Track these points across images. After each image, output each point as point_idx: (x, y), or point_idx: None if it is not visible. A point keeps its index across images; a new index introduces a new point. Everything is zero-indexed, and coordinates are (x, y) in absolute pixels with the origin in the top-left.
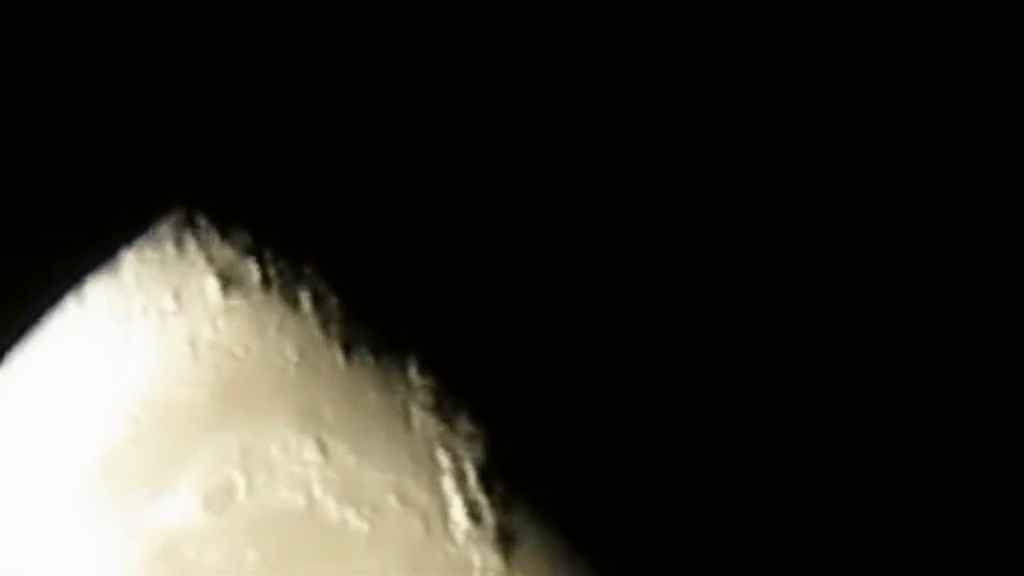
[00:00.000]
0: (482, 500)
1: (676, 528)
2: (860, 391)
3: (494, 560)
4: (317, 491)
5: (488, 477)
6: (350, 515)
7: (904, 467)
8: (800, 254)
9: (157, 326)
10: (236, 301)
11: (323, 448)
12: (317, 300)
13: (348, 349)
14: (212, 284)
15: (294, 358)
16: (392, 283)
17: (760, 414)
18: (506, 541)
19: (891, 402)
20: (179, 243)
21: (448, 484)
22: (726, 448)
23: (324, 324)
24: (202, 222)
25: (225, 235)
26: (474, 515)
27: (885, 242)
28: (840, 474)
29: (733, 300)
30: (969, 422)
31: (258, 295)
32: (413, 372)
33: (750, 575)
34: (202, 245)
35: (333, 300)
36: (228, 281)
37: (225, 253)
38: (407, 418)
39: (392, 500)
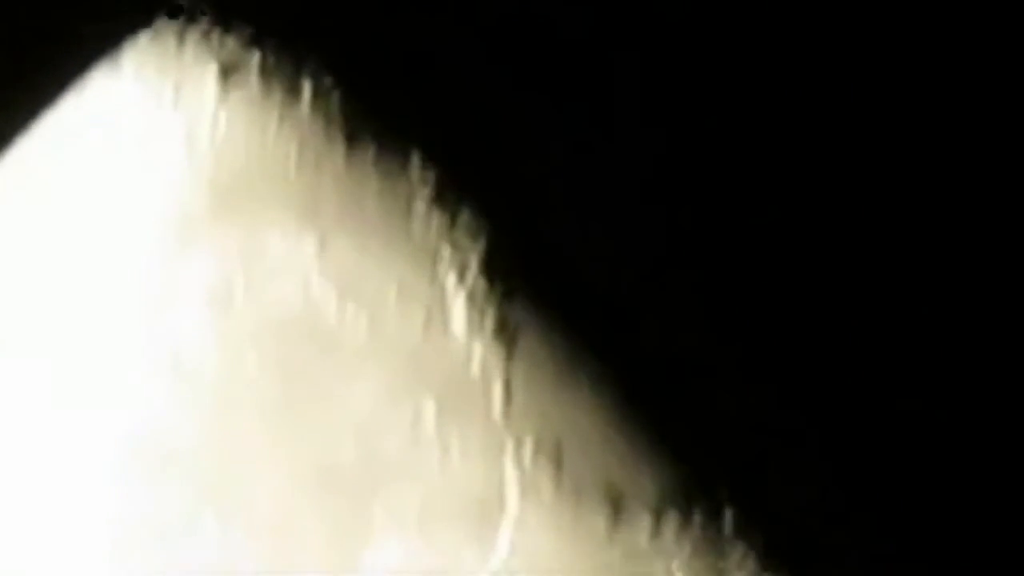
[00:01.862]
0: (483, 294)
1: (677, 318)
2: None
3: (494, 354)
4: (317, 288)
5: (490, 271)
6: (350, 311)
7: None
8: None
9: (156, 120)
10: (236, 95)
11: (323, 243)
12: (318, 93)
13: (349, 143)
14: (212, 77)
15: (294, 151)
16: (395, 77)
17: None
18: (507, 335)
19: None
20: (180, 35)
21: (449, 278)
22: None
23: (325, 118)
24: (204, 14)
25: (227, 27)
26: (475, 309)
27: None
28: None
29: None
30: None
31: (258, 88)
32: (415, 166)
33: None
34: (203, 37)
35: (335, 93)
36: (229, 73)
37: (226, 45)
38: (408, 212)
39: (392, 294)
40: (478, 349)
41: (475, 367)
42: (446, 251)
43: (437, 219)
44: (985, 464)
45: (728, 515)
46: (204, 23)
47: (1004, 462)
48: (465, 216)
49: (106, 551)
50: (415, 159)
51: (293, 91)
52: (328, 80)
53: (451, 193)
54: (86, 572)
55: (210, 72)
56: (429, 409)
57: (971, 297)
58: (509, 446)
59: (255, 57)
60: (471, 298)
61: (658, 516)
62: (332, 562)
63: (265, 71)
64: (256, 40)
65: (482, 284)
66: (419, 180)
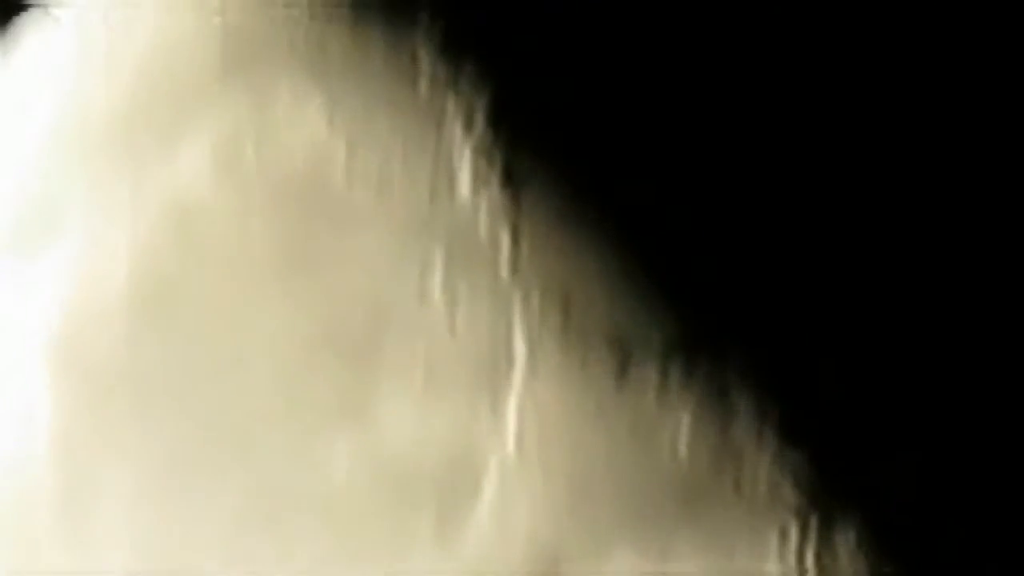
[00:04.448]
0: (489, 145)
1: (683, 169)
2: None
3: (502, 205)
4: (325, 143)
5: (495, 122)
6: (358, 165)
7: None
8: None
9: None
10: None
11: (331, 99)
12: None
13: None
14: None
15: (303, 10)
16: None
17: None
18: (513, 186)
19: None
20: None
21: (456, 129)
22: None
23: None
24: None
25: None
26: (482, 160)
27: None
28: None
29: None
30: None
31: None
32: (422, 18)
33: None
34: None
35: None
36: None
37: None
38: (415, 65)
39: (399, 147)
40: (485, 200)
41: (482, 218)
42: (452, 102)
43: (443, 71)
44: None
45: (734, 363)
46: None
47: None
48: (470, 67)
49: (120, 392)
50: (421, 11)
51: None
52: None
53: (456, 44)
54: (101, 414)
55: None
56: (437, 260)
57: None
58: (517, 298)
59: None
60: (477, 149)
61: (664, 364)
62: (341, 416)
63: None
64: None
65: (488, 135)
66: (425, 32)
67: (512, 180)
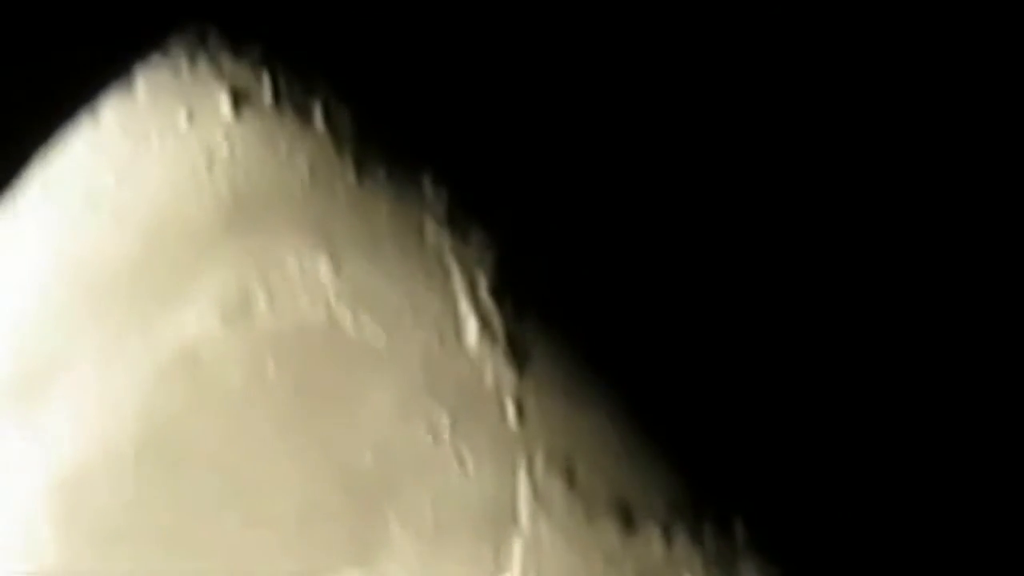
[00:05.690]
0: (494, 313)
1: (686, 333)
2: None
3: (506, 370)
4: (333, 304)
5: (500, 290)
6: (366, 328)
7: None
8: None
9: (170, 143)
10: (248, 118)
11: (337, 263)
12: (329, 116)
13: (360, 164)
14: (224, 101)
15: (306, 173)
16: (404, 97)
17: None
18: (518, 352)
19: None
20: (191, 61)
21: (461, 297)
22: (733, 260)
23: (336, 139)
24: (214, 39)
25: (237, 52)
26: (487, 327)
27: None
28: None
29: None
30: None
31: (270, 111)
32: (426, 186)
33: (754, 384)
34: (214, 62)
35: (345, 115)
36: (240, 98)
37: (237, 70)
38: (420, 232)
39: (406, 312)
40: (490, 365)
41: (488, 382)
42: (457, 270)
43: (448, 239)
44: (989, 465)
45: (739, 528)
46: (214, 48)
47: (1007, 463)
48: (475, 235)
49: (127, 539)
50: (425, 179)
51: (304, 113)
52: (338, 102)
53: (461, 213)
54: (108, 560)
55: (222, 96)
56: (443, 422)
57: (971, 297)
58: (522, 460)
59: (266, 80)
60: (483, 316)
61: (669, 529)
62: (348, 559)
63: (276, 94)
64: (266, 63)
65: (493, 302)
66: (430, 200)
67: (516, 346)
